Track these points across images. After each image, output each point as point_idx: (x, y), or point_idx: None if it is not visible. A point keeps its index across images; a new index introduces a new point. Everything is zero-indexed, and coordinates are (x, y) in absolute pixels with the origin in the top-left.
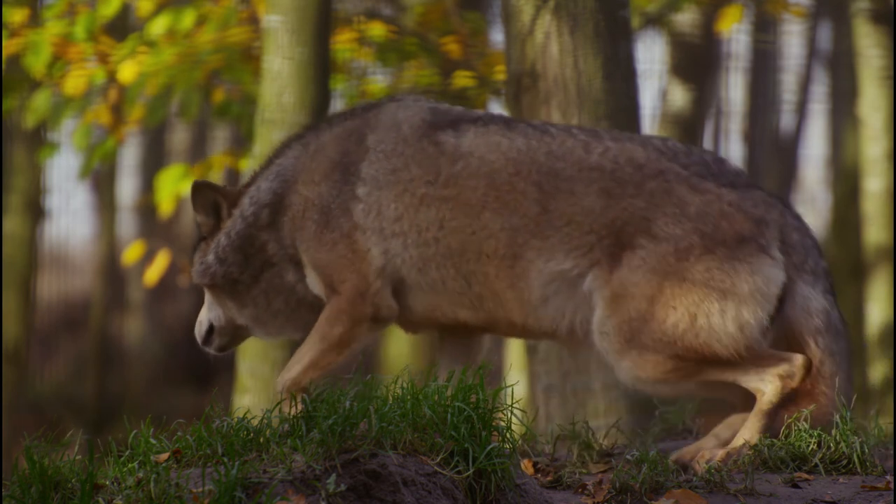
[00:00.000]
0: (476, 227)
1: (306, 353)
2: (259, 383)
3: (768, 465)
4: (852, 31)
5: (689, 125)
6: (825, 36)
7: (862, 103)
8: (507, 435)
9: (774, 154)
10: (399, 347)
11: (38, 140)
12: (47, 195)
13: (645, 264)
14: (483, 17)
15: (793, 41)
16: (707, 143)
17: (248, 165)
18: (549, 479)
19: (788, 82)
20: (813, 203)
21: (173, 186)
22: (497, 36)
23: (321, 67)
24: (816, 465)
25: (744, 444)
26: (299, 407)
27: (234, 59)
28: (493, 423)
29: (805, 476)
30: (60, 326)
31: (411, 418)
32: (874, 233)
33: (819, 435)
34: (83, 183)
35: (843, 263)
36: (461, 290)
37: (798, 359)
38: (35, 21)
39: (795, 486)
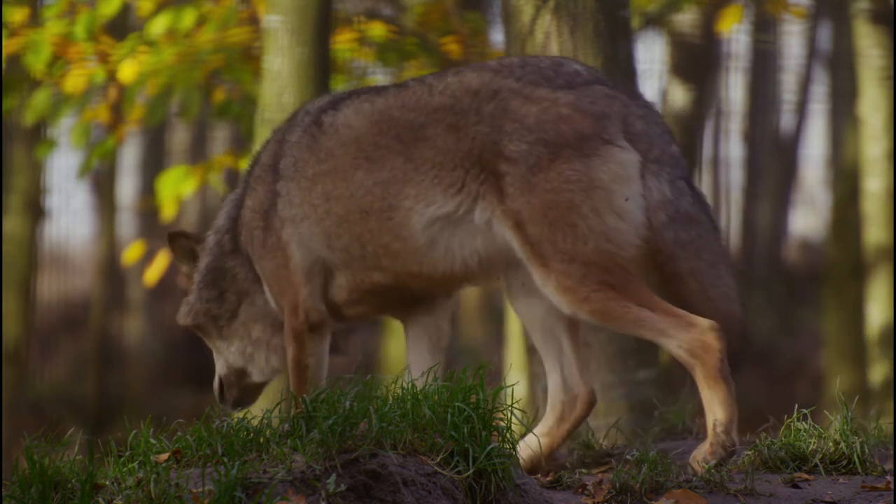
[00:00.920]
0: (352, 188)
1: (294, 387)
2: None
3: (768, 465)
4: (852, 31)
5: (689, 125)
6: (825, 36)
7: (862, 103)
8: (507, 435)
9: (774, 154)
10: (399, 347)
11: (38, 140)
12: (47, 195)
13: (515, 189)
14: (483, 17)
15: (793, 41)
16: (707, 143)
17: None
18: (549, 479)
19: (788, 82)
20: (813, 203)
21: (174, 188)
22: (497, 36)
23: (321, 67)
24: (816, 465)
25: (720, 425)
26: (299, 407)
27: (234, 59)
28: (493, 423)
29: (805, 476)
30: (60, 326)
31: (411, 418)
32: (874, 233)
33: (819, 434)
34: (83, 183)
35: (843, 263)
36: (361, 254)
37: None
38: (35, 20)
39: (795, 486)
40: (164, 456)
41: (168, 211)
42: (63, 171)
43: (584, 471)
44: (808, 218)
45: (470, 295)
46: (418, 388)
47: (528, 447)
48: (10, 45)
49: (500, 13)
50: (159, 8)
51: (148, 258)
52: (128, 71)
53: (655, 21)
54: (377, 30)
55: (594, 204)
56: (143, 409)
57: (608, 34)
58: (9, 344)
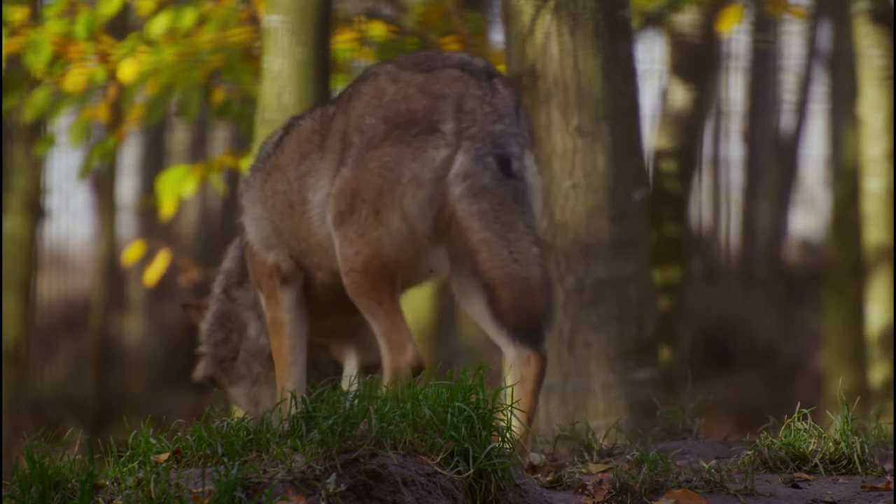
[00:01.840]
0: (284, 183)
1: (274, 349)
2: None
3: (768, 465)
4: (852, 31)
5: (689, 125)
6: (825, 36)
7: (862, 103)
8: (507, 435)
9: (774, 154)
10: None
11: (38, 139)
12: (47, 195)
13: (352, 160)
14: (483, 17)
15: (793, 41)
16: (707, 143)
17: (248, 165)
18: (549, 479)
19: (788, 82)
20: (813, 203)
21: (175, 187)
22: (497, 36)
23: (321, 67)
24: (816, 465)
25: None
26: (299, 407)
27: (234, 58)
28: (493, 423)
29: (805, 476)
30: (60, 326)
31: (411, 418)
32: (874, 233)
33: (819, 434)
34: (83, 183)
35: (843, 263)
36: (300, 250)
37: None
38: (35, 20)
39: (795, 486)
40: (164, 456)
41: (167, 210)
42: (63, 171)
43: (584, 471)
44: (808, 218)
45: None
46: (417, 388)
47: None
48: (10, 45)
49: (500, 13)
50: (159, 7)
51: (148, 258)
52: (128, 70)
53: (655, 21)
54: (377, 30)
55: (390, 199)
56: (143, 409)
57: (608, 34)
58: (9, 344)
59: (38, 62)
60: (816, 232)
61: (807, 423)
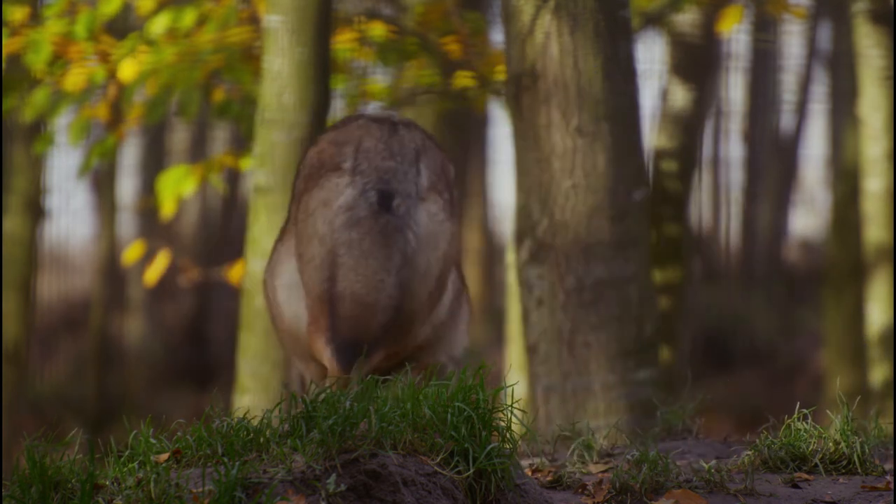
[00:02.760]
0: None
1: None
2: (259, 383)
3: (768, 465)
4: (852, 31)
5: (689, 125)
6: (825, 36)
7: (862, 103)
8: (507, 435)
9: (774, 154)
10: None
11: (38, 138)
12: (47, 195)
13: (291, 222)
14: (483, 17)
15: (793, 41)
16: (707, 143)
17: (248, 165)
18: (549, 479)
19: (788, 82)
20: (813, 203)
21: (175, 187)
22: (497, 36)
23: (321, 67)
24: (816, 465)
25: None
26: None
27: (235, 58)
28: (493, 423)
29: (805, 476)
30: (60, 326)
31: (411, 418)
32: (874, 233)
33: (819, 434)
34: (83, 183)
35: (843, 263)
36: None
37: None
38: (35, 20)
39: (795, 486)
40: (164, 456)
41: (167, 210)
42: (63, 171)
43: (584, 471)
44: (808, 218)
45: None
46: (417, 389)
47: None
48: (10, 45)
49: (500, 13)
50: (160, 7)
51: (148, 258)
52: (128, 70)
53: (655, 21)
54: (377, 30)
55: (307, 232)
56: (143, 409)
57: (608, 34)
58: (9, 344)
59: (38, 62)
60: (816, 232)
61: (807, 423)
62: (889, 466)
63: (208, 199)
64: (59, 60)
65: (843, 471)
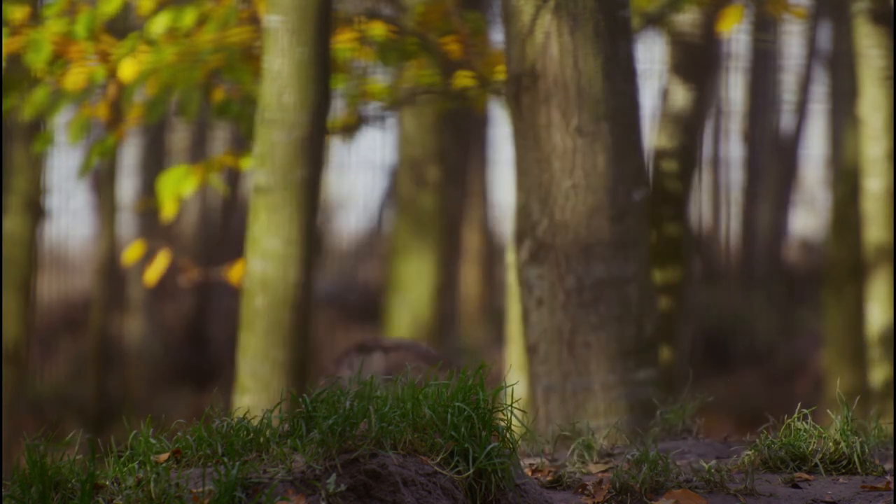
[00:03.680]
0: None
1: None
2: (259, 383)
3: (768, 465)
4: (852, 31)
5: (689, 125)
6: (825, 36)
7: (862, 103)
8: (508, 435)
9: (774, 154)
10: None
11: (37, 137)
12: (47, 195)
13: None
14: (483, 17)
15: (793, 41)
16: (707, 143)
17: (248, 165)
18: (549, 479)
19: (788, 82)
20: (813, 203)
21: (175, 187)
22: (497, 36)
23: (322, 67)
24: (816, 465)
25: None
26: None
27: (235, 58)
28: (493, 423)
29: (805, 476)
30: (60, 326)
31: (411, 418)
32: (874, 233)
33: (819, 434)
34: (83, 183)
35: (843, 263)
36: None
37: None
38: (35, 19)
39: (795, 486)
40: (164, 456)
41: (168, 210)
42: (63, 171)
43: (584, 471)
44: (808, 218)
45: (470, 295)
46: (417, 389)
47: None
48: (10, 44)
49: (500, 13)
50: (159, 7)
51: (148, 258)
52: (128, 70)
53: (655, 21)
54: (377, 30)
55: None
56: (143, 408)
57: (608, 34)
58: (9, 344)
59: (38, 61)
60: (816, 232)
61: (807, 423)
62: (889, 466)
63: (208, 199)
64: (59, 60)
65: (843, 471)
